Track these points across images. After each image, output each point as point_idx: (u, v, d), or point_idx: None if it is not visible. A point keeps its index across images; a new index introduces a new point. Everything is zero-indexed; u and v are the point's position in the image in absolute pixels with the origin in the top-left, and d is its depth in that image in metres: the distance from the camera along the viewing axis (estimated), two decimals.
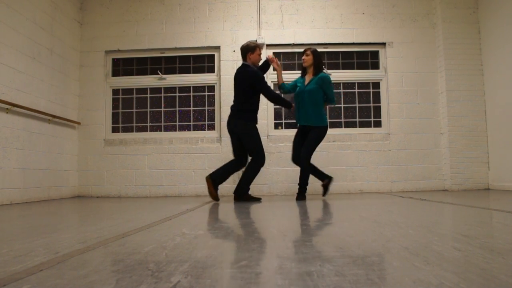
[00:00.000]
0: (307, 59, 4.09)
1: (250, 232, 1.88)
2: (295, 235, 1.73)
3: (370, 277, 0.99)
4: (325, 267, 1.11)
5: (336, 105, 5.57)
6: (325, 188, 4.22)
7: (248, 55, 4.05)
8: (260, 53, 4.10)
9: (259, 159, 3.97)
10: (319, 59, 4.09)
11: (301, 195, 4.04)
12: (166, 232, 1.86)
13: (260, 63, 4.24)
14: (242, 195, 3.99)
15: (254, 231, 1.91)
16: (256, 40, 5.37)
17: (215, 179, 3.97)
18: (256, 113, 4.07)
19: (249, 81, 3.92)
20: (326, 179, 4.18)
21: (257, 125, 4.06)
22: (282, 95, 4.32)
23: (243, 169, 4.11)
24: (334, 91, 5.46)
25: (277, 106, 5.55)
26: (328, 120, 5.14)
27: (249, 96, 3.96)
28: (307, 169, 4.03)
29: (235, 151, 4.08)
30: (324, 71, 4.35)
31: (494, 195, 4.16)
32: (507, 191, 4.67)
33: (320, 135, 4.02)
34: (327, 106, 4.32)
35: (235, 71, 4.18)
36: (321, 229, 2.00)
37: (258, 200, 4.04)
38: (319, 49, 4.74)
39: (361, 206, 3.12)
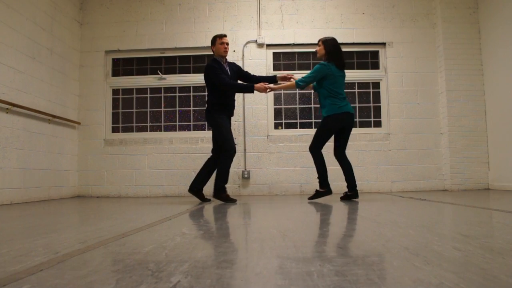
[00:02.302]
0: (318, 50, 3.89)
1: (250, 232, 1.88)
2: (295, 235, 1.73)
3: (370, 277, 0.99)
4: (325, 267, 1.11)
5: None
6: (317, 195, 3.87)
7: (212, 50, 4.01)
8: (222, 41, 3.90)
9: (227, 151, 3.79)
10: (329, 48, 3.80)
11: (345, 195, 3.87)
12: (166, 232, 1.86)
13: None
14: (218, 194, 3.80)
15: (254, 231, 1.90)
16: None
17: (193, 189, 4.00)
18: (225, 106, 3.93)
19: (205, 73, 3.90)
20: (324, 188, 3.83)
21: (227, 117, 3.97)
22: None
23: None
24: None
25: (277, 106, 5.55)
26: None
27: (210, 89, 3.93)
28: (315, 160, 3.78)
29: (213, 145, 4.05)
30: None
31: (494, 195, 4.16)
32: (507, 191, 4.66)
33: (322, 125, 3.80)
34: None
35: None
36: (321, 229, 2.00)
37: (234, 201, 3.82)
38: None
39: (361, 206, 3.12)
